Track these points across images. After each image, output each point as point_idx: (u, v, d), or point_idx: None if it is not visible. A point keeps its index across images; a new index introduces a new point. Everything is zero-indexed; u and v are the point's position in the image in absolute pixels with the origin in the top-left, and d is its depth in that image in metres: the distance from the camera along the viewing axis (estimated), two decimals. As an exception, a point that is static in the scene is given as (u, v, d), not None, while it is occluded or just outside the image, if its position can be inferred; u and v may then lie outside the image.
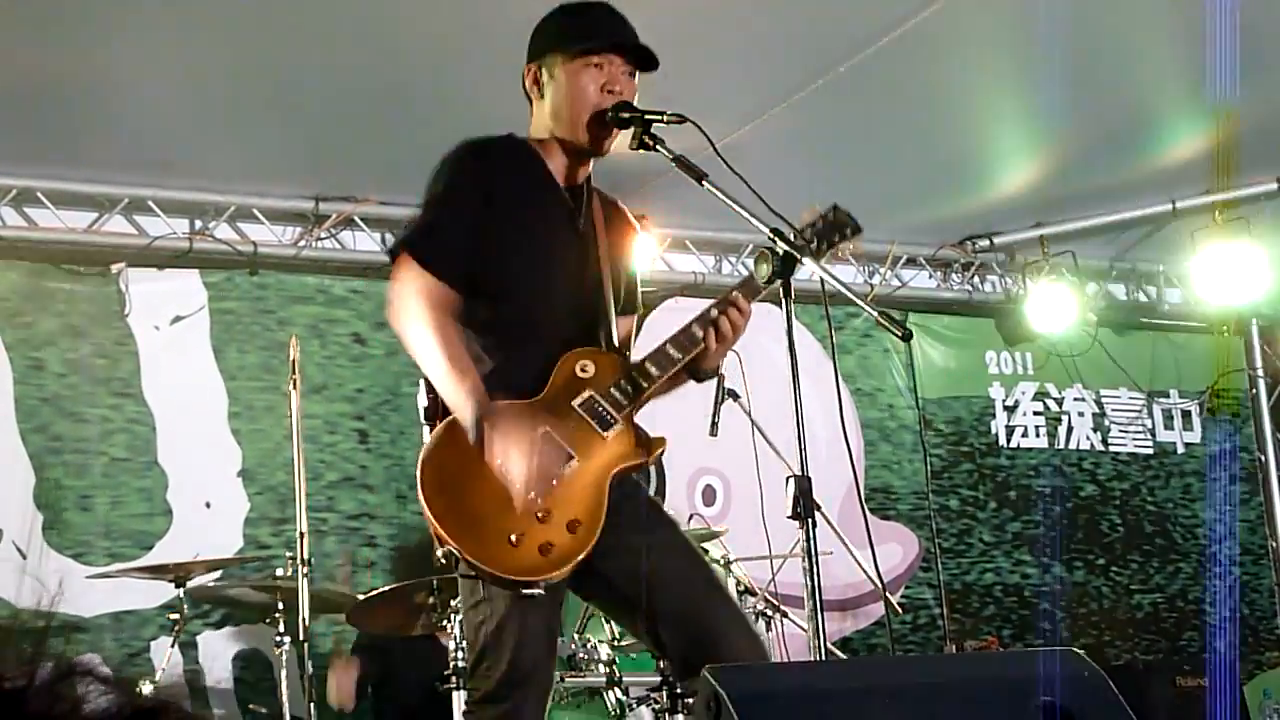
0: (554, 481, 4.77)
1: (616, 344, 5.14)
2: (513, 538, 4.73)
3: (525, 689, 4.83)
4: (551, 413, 4.86)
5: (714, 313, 4.97)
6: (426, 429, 5.01)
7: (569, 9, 5.22)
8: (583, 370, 4.95)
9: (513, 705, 4.82)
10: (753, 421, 6.68)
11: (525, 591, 4.76)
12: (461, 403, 4.76)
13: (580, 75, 5.05)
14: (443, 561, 6.69)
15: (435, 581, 7.16)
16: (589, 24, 5.15)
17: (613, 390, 4.92)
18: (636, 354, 5.22)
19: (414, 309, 4.90)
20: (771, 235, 4.88)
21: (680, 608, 4.95)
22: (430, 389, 4.98)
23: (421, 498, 4.79)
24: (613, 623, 7.33)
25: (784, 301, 4.96)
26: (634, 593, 5.02)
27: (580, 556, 4.79)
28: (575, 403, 4.89)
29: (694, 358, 5.01)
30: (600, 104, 5.02)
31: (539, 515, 4.76)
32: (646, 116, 5.00)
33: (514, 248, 5.06)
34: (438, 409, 4.94)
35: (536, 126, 5.19)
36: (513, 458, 4.70)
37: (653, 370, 4.94)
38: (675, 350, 4.93)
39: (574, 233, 5.13)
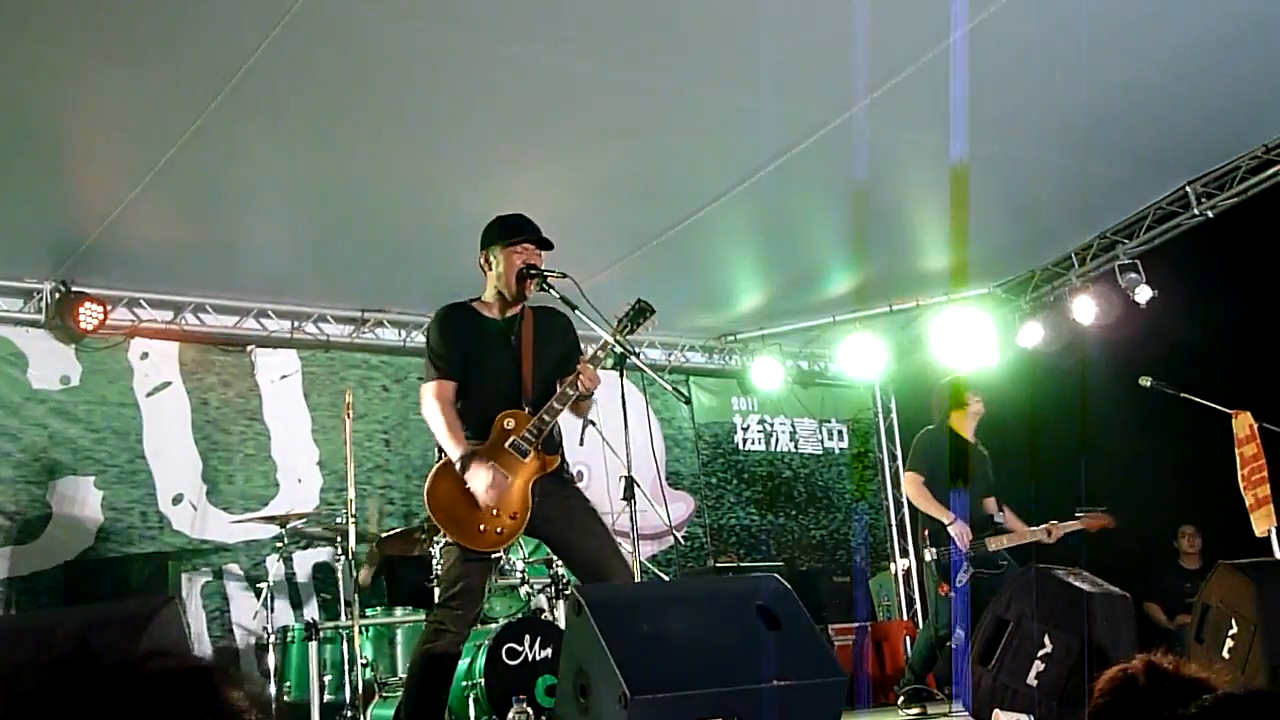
0: (499, 492, 4.92)
1: (530, 404, 5.09)
2: (481, 528, 4.94)
3: (462, 599, 4.94)
4: (494, 452, 4.99)
5: (573, 377, 5.02)
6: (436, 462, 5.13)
7: (502, 219, 5.28)
8: (507, 424, 5.03)
9: (455, 608, 4.95)
10: (603, 437, 6.77)
11: (493, 557, 5.02)
12: (455, 455, 4.95)
13: (511, 257, 5.16)
14: (440, 542, 6.78)
15: (425, 525, 7.30)
16: (514, 228, 5.23)
17: (526, 433, 4.99)
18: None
19: (432, 409, 5.09)
20: (614, 341, 5.16)
21: (585, 549, 5.13)
22: (438, 449, 5.12)
23: (427, 507, 5.00)
24: (524, 547, 7.30)
25: (620, 375, 5.25)
26: (561, 543, 5.28)
27: (518, 533, 5.02)
28: (505, 445, 4.99)
29: (571, 405, 5.07)
30: (519, 270, 5.16)
31: (494, 512, 4.94)
32: (544, 273, 5.17)
33: (469, 364, 5.16)
34: (438, 456, 5.10)
35: (487, 289, 5.28)
36: (478, 480, 4.90)
37: (546, 418, 5.01)
38: (557, 403, 5.00)
39: (507, 346, 5.19)
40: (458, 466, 4.96)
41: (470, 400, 5.16)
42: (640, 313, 5.23)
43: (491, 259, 5.26)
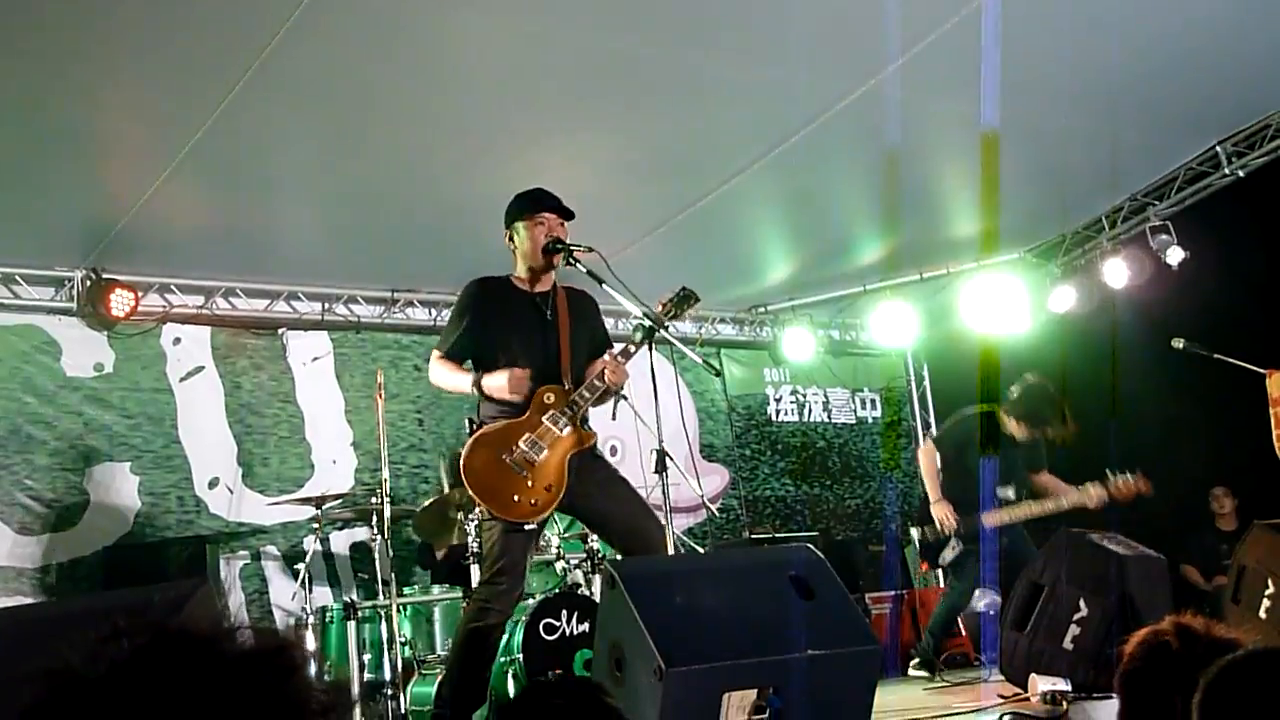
0: (534, 464, 4.96)
1: (570, 380, 5.17)
2: (515, 498, 4.97)
3: (506, 575, 4.99)
4: (531, 423, 5.03)
5: (601, 369, 5.10)
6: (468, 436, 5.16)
7: (521, 195, 5.33)
8: (546, 399, 5.07)
9: (500, 584, 4.99)
10: (634, 411, 6.78)
11: (526, 528, 5.01)
12: (467, 383, 5.14)
13: (533, 230, 5.20)
14: (475, 519, 6.81)
15: (459, 498, 7.27)
16: (534, 201, 5.28)
17: (565, 409, 5.03)
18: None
19: (438, 371, 5.26)
20: (642, 314, 5.16)
21: (623, 521, 5.16)
22: (469, 423, 5.19)
23: (464, 480, 5.00)
24: (559, 523, 7.35)
25: (649, 349, 5.20)
26: (599, 516, 5.30)
27: (553, 505, 5.04)
28: (543, 417, 5.03)
29: (596, 398, 5.14)
30: (544, 244, 5.20)
31: (529, 483, 4.97)
32: (570, 246, 5.18)
33: (503, 338, 5.20)
34: (471, 430, 5.14)
35: (517, 266, 5.32)
36: (497, 381, 5.03)
37: (585, 394, 5.07)
38: (587, 391, 5.06)
39: (542, 320, 5.22)
40: (473, 391, 5.11)
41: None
42: (685, 299, 5.28)
43: (515, 236, 5.30)
